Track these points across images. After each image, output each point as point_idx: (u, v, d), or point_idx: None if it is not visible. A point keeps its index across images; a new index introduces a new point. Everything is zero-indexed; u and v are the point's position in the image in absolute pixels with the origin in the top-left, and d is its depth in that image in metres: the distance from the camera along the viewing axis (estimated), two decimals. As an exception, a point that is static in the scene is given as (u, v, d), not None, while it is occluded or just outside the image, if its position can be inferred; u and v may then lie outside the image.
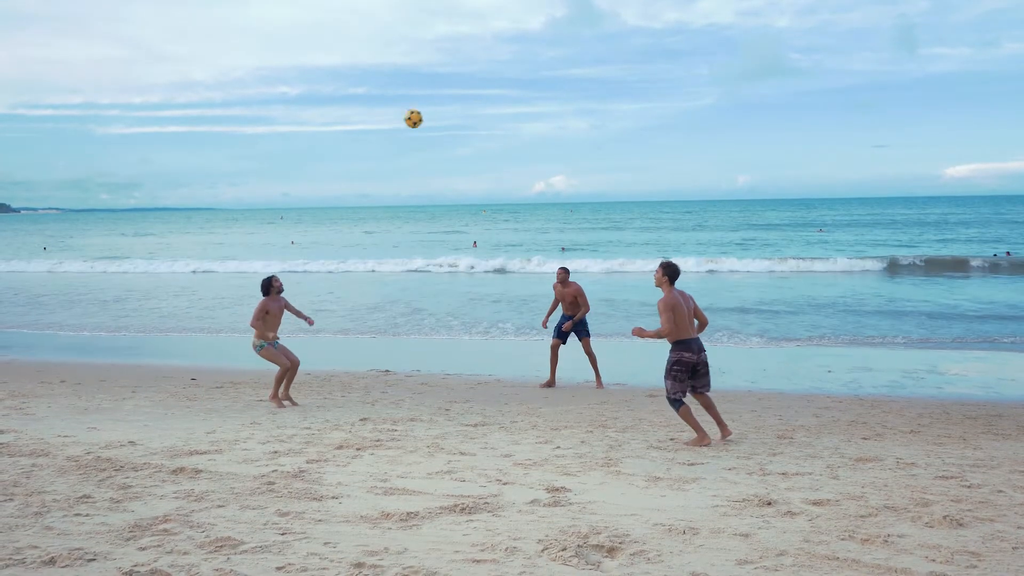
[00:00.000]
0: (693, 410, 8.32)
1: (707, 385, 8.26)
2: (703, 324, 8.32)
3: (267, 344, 10.25)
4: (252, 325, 10.28)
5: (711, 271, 34.07)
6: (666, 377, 8.17)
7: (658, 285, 8.23)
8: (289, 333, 14.76)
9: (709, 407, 8.30)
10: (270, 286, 10.36)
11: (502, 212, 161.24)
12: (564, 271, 12.18)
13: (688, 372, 8.10)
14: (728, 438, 8.28)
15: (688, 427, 8.37)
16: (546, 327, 12.62)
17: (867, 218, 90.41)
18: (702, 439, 8.10)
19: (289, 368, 10.27)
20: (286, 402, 10.31)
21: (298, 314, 10.57)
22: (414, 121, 11.08)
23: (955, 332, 16.96)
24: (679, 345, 8.08)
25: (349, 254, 46.51)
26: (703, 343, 8.24)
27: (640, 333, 8.15)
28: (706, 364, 8.21)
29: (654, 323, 8.36)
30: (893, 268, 33.15)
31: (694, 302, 8.26)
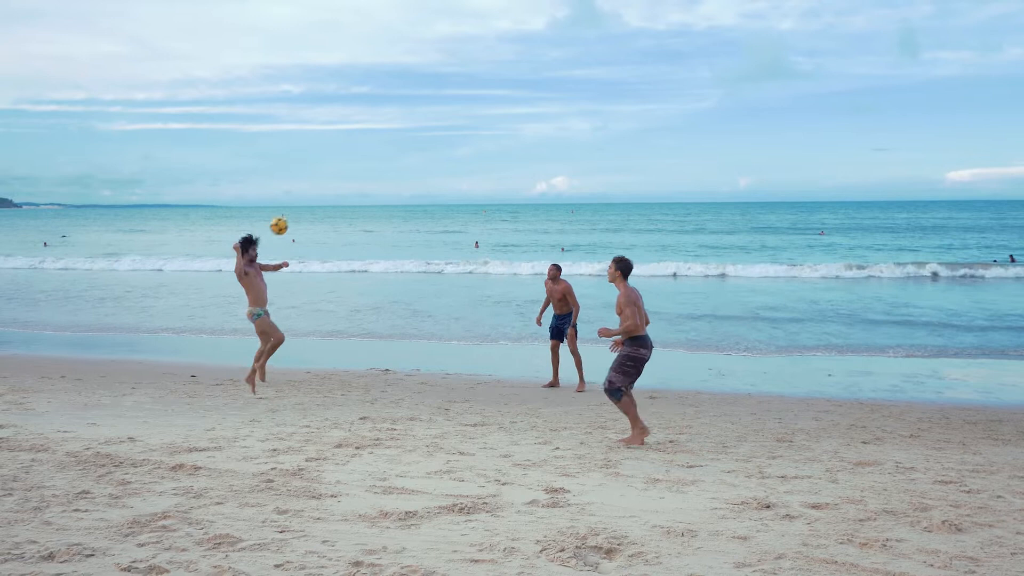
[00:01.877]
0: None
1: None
2: (645, 324, 8.32)
3: (263, 313, 10.32)
4: (237, 271, 10.35)
5: (722, 275, 33.38)
6: (615, 370, 8.10)
7: (612, 281, 8.25)
8: (304, 335, 14.68)
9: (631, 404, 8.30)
10: (250, 245, 10.44)
11: (501, 212, 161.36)
12: (555, 268, 12.17)
13: (640, 370, 8.12)
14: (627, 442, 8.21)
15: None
16: (540, 324, 12.64)
17: (869, 222, 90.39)
18: (642, 433, 8.08)
19: (277, 344, 10.39)
20: (257, 381, 10.39)
21: (273, 268, 10.62)
22: (280, 228, 11.11)
23: (969, 341, 16.46)
24: (636, 341, 8.08)
25: (350, 253, 46.49)
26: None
27: (606, 333, 8.07)
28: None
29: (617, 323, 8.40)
30: (903, 274, 32.51)
31: (642, 300, 8.30)
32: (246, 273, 10.27)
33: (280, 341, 10.35)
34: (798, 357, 14.95)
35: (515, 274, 34.65)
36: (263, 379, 10.43)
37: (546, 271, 12.66)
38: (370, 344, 16.78)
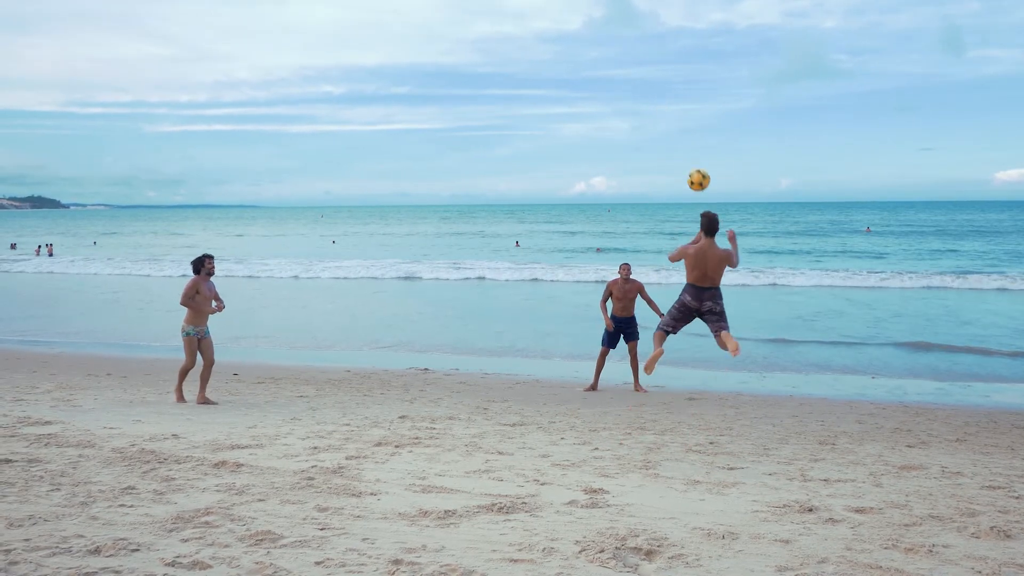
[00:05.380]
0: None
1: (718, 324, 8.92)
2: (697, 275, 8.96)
3: (194, 333, 10.24)
4: (183, 304, 10.27)
5: (773, 283, 32.01)
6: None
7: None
8: (323, 345, 14.72)
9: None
10: (202, 266, 10.37)
11: (537, 212, 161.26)
12: (628, 267, 11.83)
13: (682, 314, 8.98)
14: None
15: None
16: (611, 329, 11.85)
17: (916, 221, 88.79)
18: (655, 357, 8.93)
19: (205, 366, 10.33)
20: (200, 404, 10.25)
21: (216, 298, 10.51)
22: (699, 182, 9.32)
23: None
24: (685, 287, 8.97)
25: (388, 254, 46.69)
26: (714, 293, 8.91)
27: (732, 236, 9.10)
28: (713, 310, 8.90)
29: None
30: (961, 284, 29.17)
31: (719, 252, 8.87)
32: (197, 292, 10.19)
33: (188, 368, 10.31)
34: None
35: (545, 280, 34.59)
36: (203, 398, 10.36)
37: (620, 271, 11.75)
38: (409, 353, 16.84)
